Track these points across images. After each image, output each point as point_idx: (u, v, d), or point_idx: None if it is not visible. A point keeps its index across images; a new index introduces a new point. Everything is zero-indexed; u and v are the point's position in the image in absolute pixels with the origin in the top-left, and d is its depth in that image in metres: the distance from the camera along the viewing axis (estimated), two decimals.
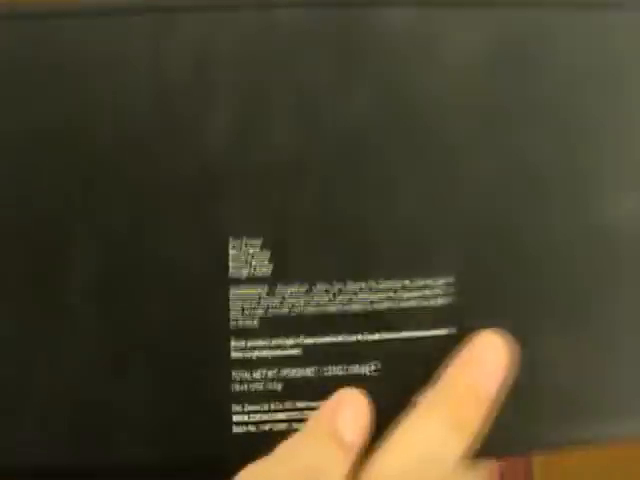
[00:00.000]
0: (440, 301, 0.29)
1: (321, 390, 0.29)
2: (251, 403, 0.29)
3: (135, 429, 0.29)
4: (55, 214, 0.28)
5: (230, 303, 0.29)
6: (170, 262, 0.29)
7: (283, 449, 0.28)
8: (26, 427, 0.28)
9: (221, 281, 0.29)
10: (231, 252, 0.29)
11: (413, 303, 0.29)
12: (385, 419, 0.28)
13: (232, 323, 0.29)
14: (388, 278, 0.29)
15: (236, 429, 0.29)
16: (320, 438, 0.28)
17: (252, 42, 0.28)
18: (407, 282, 0.29)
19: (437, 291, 0.29)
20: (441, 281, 0.29)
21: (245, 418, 0.29)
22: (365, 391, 0.28)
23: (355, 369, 0.29)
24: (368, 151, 0.29)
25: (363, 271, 0.29)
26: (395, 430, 0.28)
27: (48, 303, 0.28)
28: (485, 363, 0.29)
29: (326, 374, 0.29)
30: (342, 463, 0.27)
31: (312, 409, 0.29)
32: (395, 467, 0.28)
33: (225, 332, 0.29)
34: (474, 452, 0.28)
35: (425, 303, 0.29)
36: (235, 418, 0.29)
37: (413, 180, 0.29)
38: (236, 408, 0.29)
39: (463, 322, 0.29)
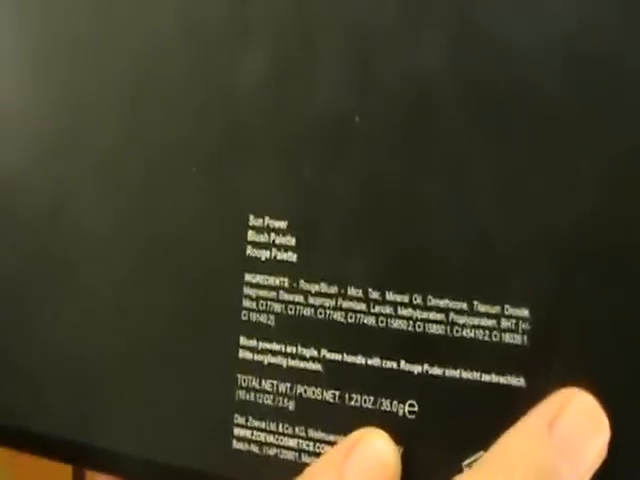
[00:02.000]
0: (508, 339, 0.21)
1: (341, 422, 0.22)
2: (257, 418, 0.23)
3: (127, 416, 0.25)
4: None
5: (244, 289, 0.23)
6: (181, 233, 0.24)
7: None
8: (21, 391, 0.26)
9: (236, 264, 0.23)
10: (250, 232, 0.23)
11: (472, 334, 0.21)
12: None
13: (244, 314, 0.23)
14: (440, 296, 0.22)
15: (237, 444, 0.24)
16: None
17: None
18: (464, 305, 0.21)
19: (506, 324, 0.21)
20: (511, 312, 0.21)
21: (248, 434, 0.23)
22: (396, 437, 0.21)
23: (386, 405, 0.22)
24: (435, 119, 0.22)
25: (409, 280, 0.22)
26: None
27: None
28: (573, 438, 0.20)
29: (349, 403, 0.23)
30: None
31: (328, 443, 0.23)
32: None
33: (235, 326, 0.23)
34: None
35: (487, 337, 0.21)
36: (236, 431, 0.24)
37: (494, 169, 0.21)
38: (239, 420, 0.24)
39: (536, 371, 0.21)
